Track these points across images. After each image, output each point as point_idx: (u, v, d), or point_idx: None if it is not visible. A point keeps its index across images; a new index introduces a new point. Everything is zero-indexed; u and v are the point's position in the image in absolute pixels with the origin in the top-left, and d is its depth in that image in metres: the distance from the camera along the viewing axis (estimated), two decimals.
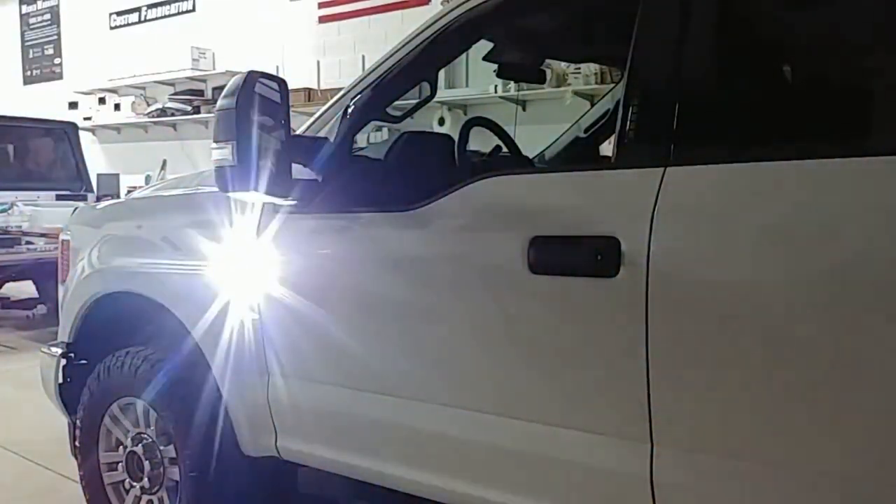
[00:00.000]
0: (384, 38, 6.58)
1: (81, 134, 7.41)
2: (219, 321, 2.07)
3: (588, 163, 2.75)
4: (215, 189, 1.76)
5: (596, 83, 5.44)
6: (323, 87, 7.09)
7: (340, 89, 2.00)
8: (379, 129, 5.27)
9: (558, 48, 2.95)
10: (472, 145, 2.39)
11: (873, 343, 1.24)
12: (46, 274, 5.15)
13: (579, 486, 1.56)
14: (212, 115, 1.82)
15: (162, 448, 2.24)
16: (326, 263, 1.94)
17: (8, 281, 6.08)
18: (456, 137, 2.30)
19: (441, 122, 6.33)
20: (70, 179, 6.93)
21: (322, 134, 1.92)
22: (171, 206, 2.39)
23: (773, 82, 1.77)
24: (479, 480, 1.69)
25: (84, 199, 6.51)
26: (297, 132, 1.99)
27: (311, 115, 2.04)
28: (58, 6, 10.27)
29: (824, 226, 1.29)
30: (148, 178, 7.70)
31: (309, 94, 7.00)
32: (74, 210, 2.89)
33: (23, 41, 10.78)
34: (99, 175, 7.87)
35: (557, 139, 2.97)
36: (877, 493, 1.26)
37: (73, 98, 9.56)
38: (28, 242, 5.85)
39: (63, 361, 2.50)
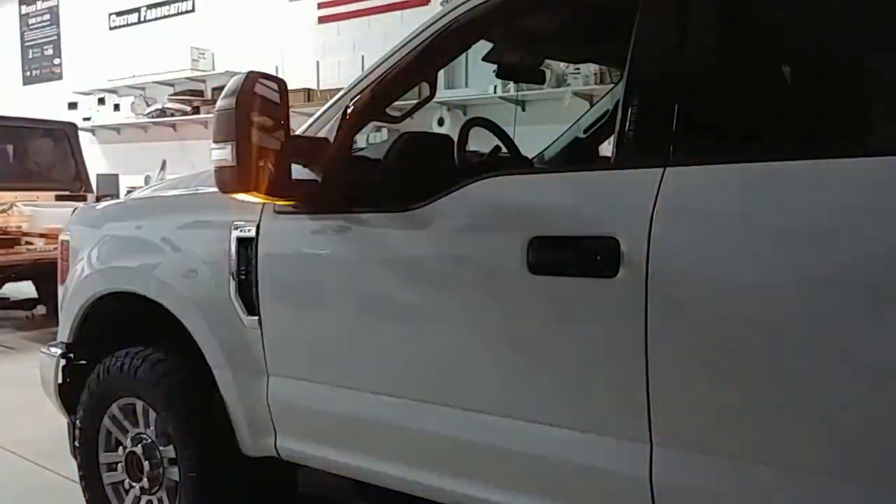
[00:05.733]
0: (384, 38, 6.58)
1: (81, 134, 7.40)
2: (218, 321, 2.07)
3: (588, 163, 2.75)
4: (215, 189, 1.76)
5: (596, 83, 5.45)
6: (322, 87, 7.09)
7: (340, 89, 2.00)
8: (379, 129, 5.28)
9: (558, 48, 2.95)
10: (472, 145, 2.39)
11: (874, 343, 1.24)
12: (46, 274, 5.13)
13: (579, 486, 1.56)
14: (211, 115, 1.82)
15: (161, 448, 2.24)
16: (326, 264, 1.94)
17: (8, 281, 6.07)
18: (455, 138, 2.30)
19: (440, 122, 6.34)
20: (69, 180, 6.92)
21: (322, 134, 1.92)
22: (171, 207, 2.39)
23: (772, 82, 1.77)
24: (478, 480, 1.69)
25: (83, 199, 6.50)
26: (297, 132, 1.99)
27: (311, 115, 2.04)
28: (57, 6, 10.27)
29: (824, 226, 1.29)
30: (147, 179, 7.70)
31: (309, 94, 7.01)
32: (74, 210, 2.89)
33: (22, 41, 10.79)
34: (98, 175, 7.86)
35: (557, 139, 2.96)
36: (877, 493, 1.26)
37: (73, 98, 9.56)
38: (28, 242, 5.84)
39: (63, 361, 2.50)
